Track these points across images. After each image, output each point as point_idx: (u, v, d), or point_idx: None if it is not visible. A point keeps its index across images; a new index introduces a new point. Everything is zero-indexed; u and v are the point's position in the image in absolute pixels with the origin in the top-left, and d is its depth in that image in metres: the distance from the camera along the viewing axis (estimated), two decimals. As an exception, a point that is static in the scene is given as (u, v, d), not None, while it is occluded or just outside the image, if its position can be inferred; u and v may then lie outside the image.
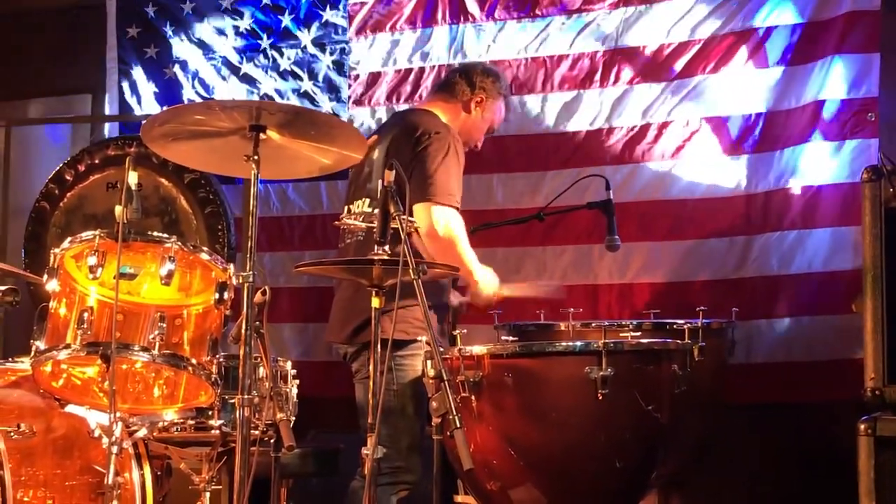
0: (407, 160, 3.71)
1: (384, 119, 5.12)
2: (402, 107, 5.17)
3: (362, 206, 3.89)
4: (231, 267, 3.15)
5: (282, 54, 5.55)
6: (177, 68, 5.71)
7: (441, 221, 3.69)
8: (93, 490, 3.39)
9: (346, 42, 5.44)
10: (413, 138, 3.79)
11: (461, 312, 4.11)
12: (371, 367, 3.10)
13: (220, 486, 3.65)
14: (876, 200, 3.26)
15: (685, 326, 3.63)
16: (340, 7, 5.44)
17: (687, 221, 4.78)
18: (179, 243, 3.08)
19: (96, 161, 5.43)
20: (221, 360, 3.21)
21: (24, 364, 3.43)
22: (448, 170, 3.75)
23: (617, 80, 4.93)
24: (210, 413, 3.33)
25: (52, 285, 3.08)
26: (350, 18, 5.43)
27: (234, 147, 3.04)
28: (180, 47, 5.71)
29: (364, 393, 3.67)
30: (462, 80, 4.07)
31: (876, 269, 3.24)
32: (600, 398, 3.26)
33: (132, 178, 2.93)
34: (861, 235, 3.30)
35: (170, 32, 5.73)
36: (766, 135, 4.68)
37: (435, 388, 2.86)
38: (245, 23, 5.61)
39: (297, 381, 3.53)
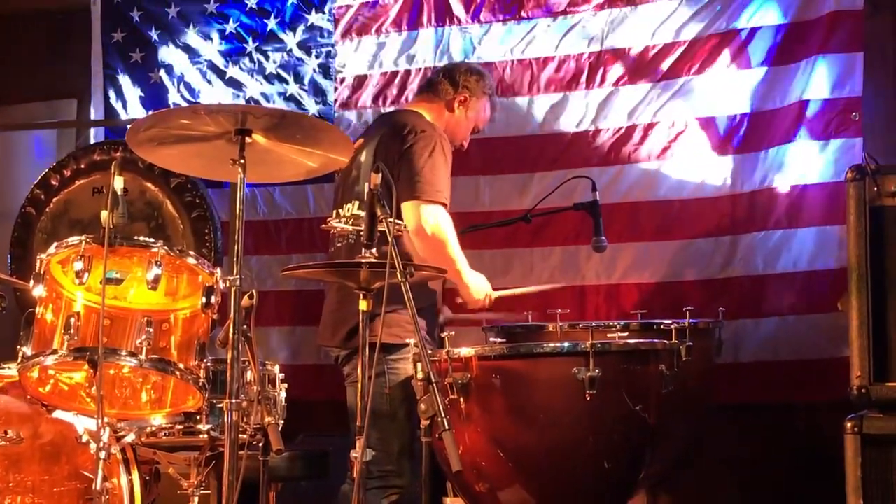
0: (394, 160, 3.72)
1: (370, 122, 5.12)
2: (389, 109, 5.16)
3: (351, 208, 3.88)
4: (218, 271, 3.15)
5: (267, 58, 5.54)
6: (162, 73, 5.70)
7: (430, 220, 3.69)
8: (81, 496, 3.39)
9: (332, 45, 5.43)
10: (400, 137, 3.80)
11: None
12: (359, 371, 3.10)
13: (209, 491, 3.64)
14: (860, 199, 3.28)
15: (672, 327, 3.64)
16: (326, 10, 5.44)
17: (673, 222, 4.79)
18: (166, 248, 3.07)
19: (82, 166, 5.41)
20: (209, 364, 3.20)
21: (10, 370, 3.42)
22: (435, 167, 3.75)
23: (603, 81, 4.94)
24: (198, 417, 3.32)
25: (38, 291, 3.07)
26: (335, 21, 5.42)
27: (221, 151, 3.03)
28: (165, 52, 5.70)
29: (355, 396, 3.66)
30: (445, 80, 4.08)
31: (861, 268, 3.26)
32: (588, 399, 3.27)
33: (118, 182, 2.92)
34: (846, 234, 3.32)
35: (155, 37, 5.71)
36: (751, 135, 4.70)
37: (423, 391, 2.86)
38: (230, 26, 5.60)
39: (286, 385, 3.52)
